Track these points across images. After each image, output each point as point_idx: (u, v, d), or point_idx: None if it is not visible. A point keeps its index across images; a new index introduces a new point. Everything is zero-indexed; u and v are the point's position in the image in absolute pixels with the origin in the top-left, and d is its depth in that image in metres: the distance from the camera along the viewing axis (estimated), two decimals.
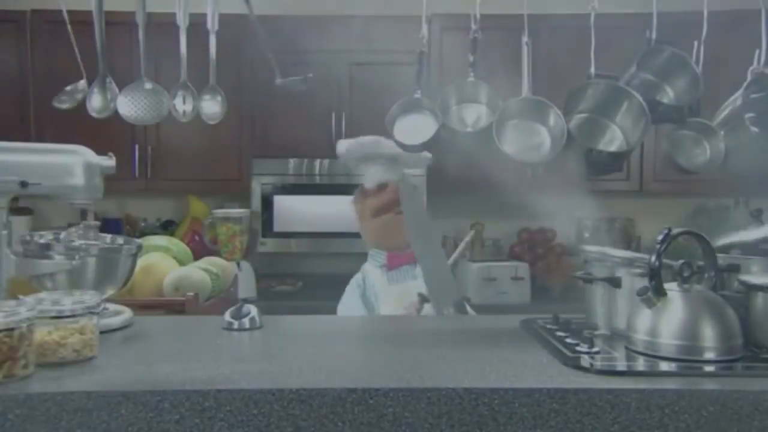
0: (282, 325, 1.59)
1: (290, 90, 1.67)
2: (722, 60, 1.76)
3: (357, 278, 2.13)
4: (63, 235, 1.54)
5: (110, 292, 1.54)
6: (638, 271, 1.38)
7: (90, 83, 1.66)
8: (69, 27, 1.65)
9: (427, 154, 2.01)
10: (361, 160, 2.06)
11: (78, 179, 1.46)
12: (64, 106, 1.67)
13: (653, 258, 1.24)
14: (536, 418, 1.07)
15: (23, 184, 1.39)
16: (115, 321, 1.50)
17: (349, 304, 2.06)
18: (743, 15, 1.95)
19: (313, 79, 1.66)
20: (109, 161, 1.52)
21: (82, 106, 1.64)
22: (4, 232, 1.41)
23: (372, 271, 2.09)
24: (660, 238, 1.25)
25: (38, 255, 1.46)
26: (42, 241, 1.51)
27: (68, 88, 1.69)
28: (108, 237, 1.65)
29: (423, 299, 1.84)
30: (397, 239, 2.06)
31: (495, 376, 1.15)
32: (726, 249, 1.40)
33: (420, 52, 1.79)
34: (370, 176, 2.07)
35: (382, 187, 2.04)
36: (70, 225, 1.59)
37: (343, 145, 2.09)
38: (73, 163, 1.46)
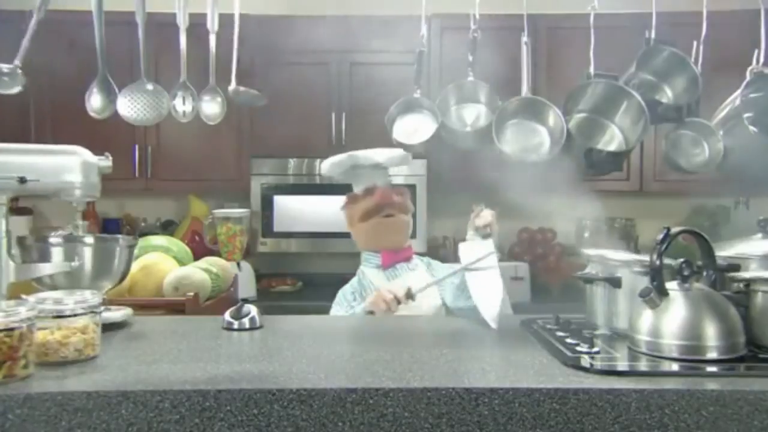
0: (282, 325, 1.59)
1: (242, 102, 1.67)
2: (721, 60, 1.76)
3: (348, 287, 2.13)
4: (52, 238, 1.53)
5: (108, 285, 1.55)
6: (638, 270, 1.38)
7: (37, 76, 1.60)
8: (32, 21, 1.57)
9: (401, 151, 2.04)
10: (346, 172, 2.13)
11: (76, 179, 1.47)
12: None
13: (654, 257, 1.24)
14: (536, 418, 1.07)
15: (22, 180, 1.39)
16: (116, 315, 1.53)
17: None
18: (743, 15, 1.95)
19: (313, 79, 1.65)
20: (105, 161, 1.53)
21: (81, 107, 1.64)
22: (5, 239, 1.41)
23: (368, 272, 2.10)
24: (660, 237, 1.25)
25: (36, 258, 1.47)
26: (39, 242, 1.52)
27: (5, 68, 1.62)
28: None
29: (409, 295, 1.82)
30: (389, 240, 2.09)
31: (495, 376, 1.16)
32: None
33: (419, 52, 1.79)
34: (358, 182, 2.13)
35: (369, 192, 2.08)
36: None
37: (326, 163, 2.17)
38: (71, 163, 1.47)
